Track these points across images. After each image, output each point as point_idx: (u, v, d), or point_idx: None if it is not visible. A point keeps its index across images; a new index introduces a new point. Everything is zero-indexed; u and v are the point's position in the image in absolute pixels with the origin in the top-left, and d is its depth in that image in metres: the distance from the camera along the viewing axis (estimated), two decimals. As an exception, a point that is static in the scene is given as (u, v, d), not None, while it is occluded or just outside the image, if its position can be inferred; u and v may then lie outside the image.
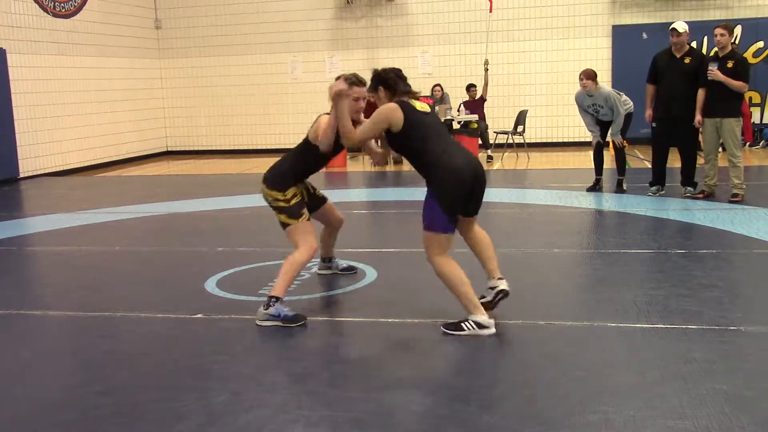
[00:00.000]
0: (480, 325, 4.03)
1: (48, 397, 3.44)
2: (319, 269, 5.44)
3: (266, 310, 4.35)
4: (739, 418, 2.96)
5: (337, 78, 4.52)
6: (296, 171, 4.71)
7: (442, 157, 4.03)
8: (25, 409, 3.32)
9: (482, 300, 4.27)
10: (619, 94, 8.59)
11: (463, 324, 4.06)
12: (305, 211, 4.67)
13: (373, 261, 5.73)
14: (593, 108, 8.59)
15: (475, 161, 4.18)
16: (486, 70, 12.71)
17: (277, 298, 4.39)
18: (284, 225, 4.57)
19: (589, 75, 8.39)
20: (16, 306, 4.98)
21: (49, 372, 3.81)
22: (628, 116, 8.61)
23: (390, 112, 4.09)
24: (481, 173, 4.15)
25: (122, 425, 3.14)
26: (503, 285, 4.31)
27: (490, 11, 13.19)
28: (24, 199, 10.63)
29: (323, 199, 5.08)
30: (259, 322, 4.36)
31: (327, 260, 5.41)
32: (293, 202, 4.60)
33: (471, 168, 4.08)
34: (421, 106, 4.23)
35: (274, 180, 4.64)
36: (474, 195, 4.16)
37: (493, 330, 4.03)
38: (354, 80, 4.47)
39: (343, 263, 5.48)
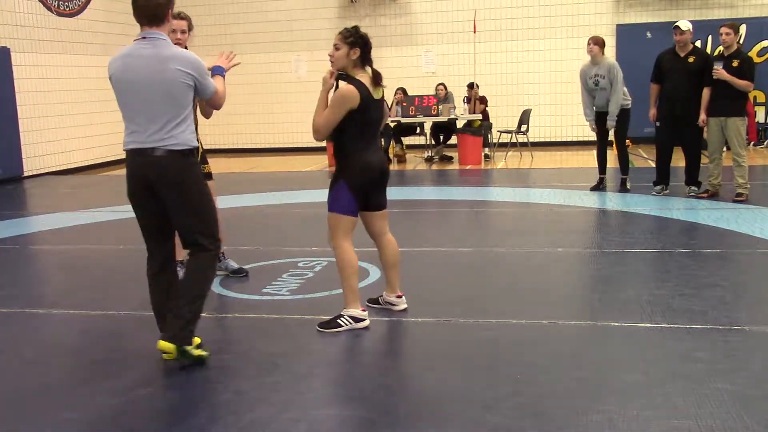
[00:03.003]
0: (356, 319, 4.18)
1: (51, 396, 3.45)
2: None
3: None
4: (743, 417, 2.96)
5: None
6: None
7: (364, 151, 4.11)
8: (28, 407, 3.33)
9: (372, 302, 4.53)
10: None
11: (339, 320, 4.18)
12: None
13: (377, 260, 5.72)
14: (594, 80, 8.47)
15: (383, 158, 4.27)
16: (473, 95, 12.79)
17: None
18: None
19: (597, 41, 8.36)
20: (20, 304, 4.99)
21: (52, 370, 3.82)
22: (627, 113, 8.55)
23: (352, 93, 3.98)
24: (386, 168, 4.25)
25: (126, 423, 3.15)
26: (402, 305, 4.49)
27: (474, 32, 13.21)
28: (28, 197, 10.65)
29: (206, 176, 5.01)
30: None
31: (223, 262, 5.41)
32: None
33: (379, 163, 4.18)
34: (378, 94, 4.12)
35: None
36: (381, 186, 4.25)
37: (367, 322, 4.20)
38: (175, 14, 4.57)
39: (235, 265, 5.44)
